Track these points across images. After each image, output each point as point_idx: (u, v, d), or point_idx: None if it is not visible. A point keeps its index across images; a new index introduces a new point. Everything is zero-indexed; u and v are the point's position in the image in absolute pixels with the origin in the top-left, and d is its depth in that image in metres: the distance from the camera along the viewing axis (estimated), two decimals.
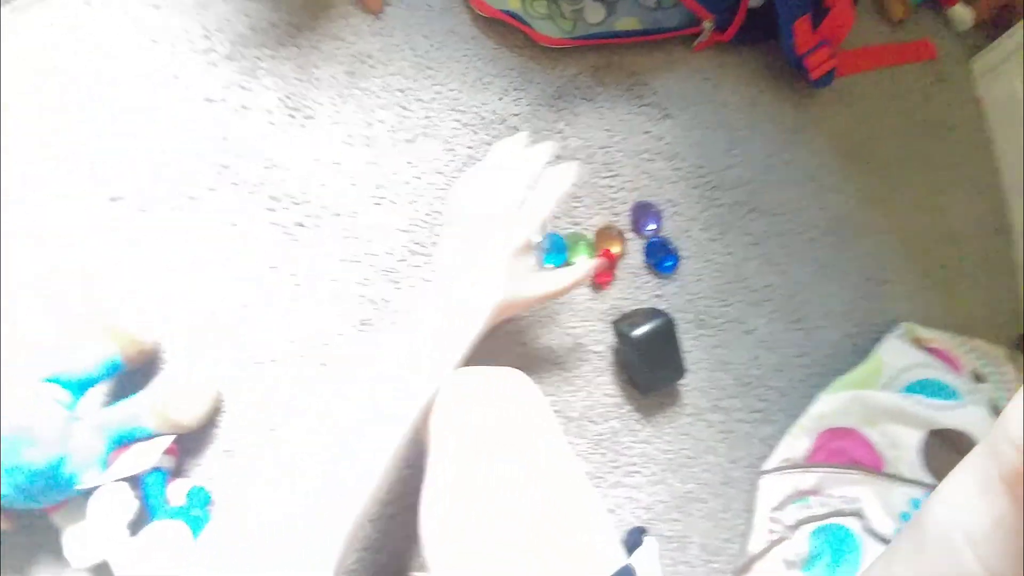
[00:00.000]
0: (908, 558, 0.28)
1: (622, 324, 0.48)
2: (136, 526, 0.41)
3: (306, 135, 0.52)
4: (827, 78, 0.61)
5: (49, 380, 0.40)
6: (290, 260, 0.49)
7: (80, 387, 0.42)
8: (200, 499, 0.45)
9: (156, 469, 0.43)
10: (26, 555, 0.44)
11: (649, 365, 0.47)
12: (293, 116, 0.53)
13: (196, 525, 0.43)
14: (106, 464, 0.42)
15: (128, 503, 0.43)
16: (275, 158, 0.51)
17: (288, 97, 0.53)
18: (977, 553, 0.24)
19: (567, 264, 0.52)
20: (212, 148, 0.50)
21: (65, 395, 0.41)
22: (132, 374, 0.45)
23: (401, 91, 0.55)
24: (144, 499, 0.43)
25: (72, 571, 0.43)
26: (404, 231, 0.51)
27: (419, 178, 0.53)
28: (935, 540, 0.26)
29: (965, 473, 0.26)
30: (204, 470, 0.45)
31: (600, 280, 0.52)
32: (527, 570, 0.35)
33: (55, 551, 0.44)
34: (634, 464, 0.51)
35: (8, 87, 0.49)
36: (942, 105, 0.66)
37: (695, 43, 0.60)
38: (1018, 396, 0.24)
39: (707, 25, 0.59)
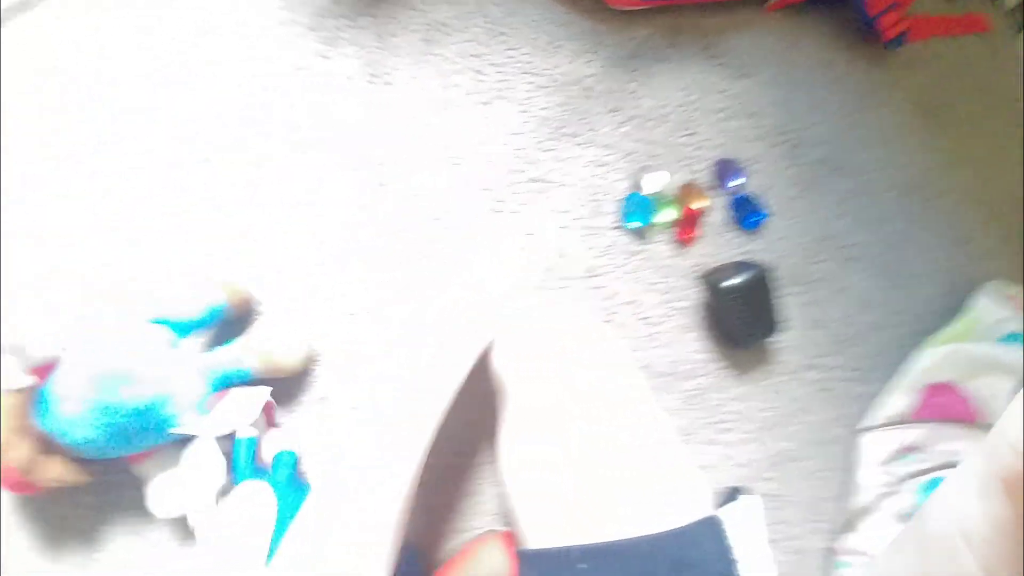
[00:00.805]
0: (909, 556, 0.28)
1: (713, 276, 0.47)
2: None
3: (385, 99, 0.53)
4: (899, 40, 0.59)
5: (155, 321, 0.41)
6: (373, 218, 0.50)
7: (185, 330, 0.43)
8: (287, 463, 0.45)
9: (248, 437, 0.43)
10: (96, 516, 0.45)
11: (743, 318, 0.46)
12: (372, 82, 0.54)
13: (281, 489, 0.43)
14: (205, 408, 0.42)
15: (219, 466, 0.43)
16: (355, 122, 0.52)
17: (368, 64, 0.54)
18: (975, 554, 0.24)
19: (652, 225, 0.51)
20: (300, 112, 0.51)
21: (170, 336, 0.41)
22: (231, 323, 0.46)
23: (475, 56, 0.55)
24: (233, 459, 0.43)
25: (144, 528, 0.43)
26: (485, 190, 0.52)
27: (495, 139, 0.53)
28: (935, 540, 0.26)
29: (965, 475, 0.26)
30: (297, 418, 0.46)
31: (683, 236, 0.51)
32: (612, 514, 0.35)
33: (123, 511, 0.45)
34: (726, 421, 0.49)
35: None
36: (1004, 74, 0.65)
37: (768, 3, 0.59)
38: (1017, 400, 0.24)
39: None
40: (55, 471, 0.40)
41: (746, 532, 0.37)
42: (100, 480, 0.45)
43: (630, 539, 0.33)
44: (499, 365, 0.40)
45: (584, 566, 0.34)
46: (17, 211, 0.48)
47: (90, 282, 0.47)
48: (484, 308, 0.46)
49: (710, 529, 0.35)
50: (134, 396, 0.38)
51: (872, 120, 0.59)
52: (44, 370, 0.39)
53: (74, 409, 0.38)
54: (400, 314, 0.48)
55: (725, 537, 0.35)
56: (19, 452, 0.38)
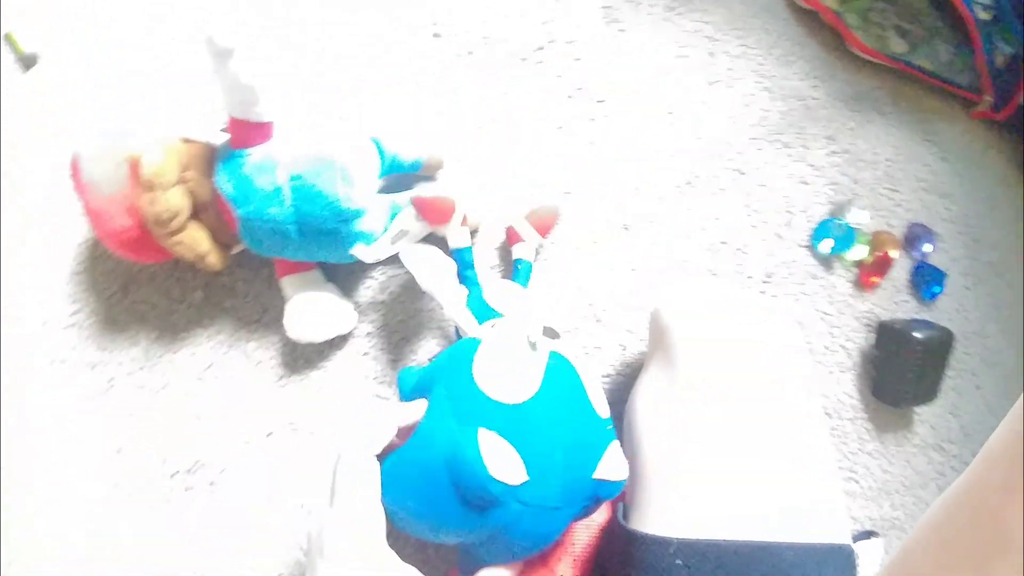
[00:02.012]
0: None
1: (899, 325, 0.45)
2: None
3: (618, 45, 0.54)
4: None
5: (373, 139, 0.40)
6: (579, 142, 0.50)
7: (390, 165, 0.41)
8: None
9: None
10: (199, 313, 0.44)
11: (911, 376, 0.44)
12: (608, 24, 0.54)
13: None
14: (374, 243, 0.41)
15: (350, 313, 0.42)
16: (585, 56, 0.53)
17: (608, 8, 0.55)
18: None
19: (840, 256, 0.50)
20: (532, 32, 0.52)
21: (379, 162, 0.40)
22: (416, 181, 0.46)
23: (710, 39, 0.56)
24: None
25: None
26: (686, 160, 0.51)
27: (710, 118, 0.53)
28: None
29: None
30: None
31: (866, 280, 0.50)
32: (738, 509, 0.32)
33: (231, 319, 0.44)
34: (854, 472, 0.46)
35: None
36: None
37: (972, 110, 0.60)
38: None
39: (986, 99, 0.59)
40: (200, 240, 0.37)
41: (870, 574, 0.34)
42: (221, 279, 0.44)
43: (744, 542, 0.31)
44: (666, 317, 0.38)
45: (680, 563, 0.31)
46: None
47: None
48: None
49: (841, 559, 0.32)
50: (341, 194, 0.37)
51: None
52: (254, 134, 0.37)
53: (273, 181, 0.36)
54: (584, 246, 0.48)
55: (856, 572, 0.33)
56: (173, 203, 0.35)
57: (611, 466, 0.32)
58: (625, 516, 0.35)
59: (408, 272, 0.44)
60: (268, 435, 0.43)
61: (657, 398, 0.37)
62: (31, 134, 0.47)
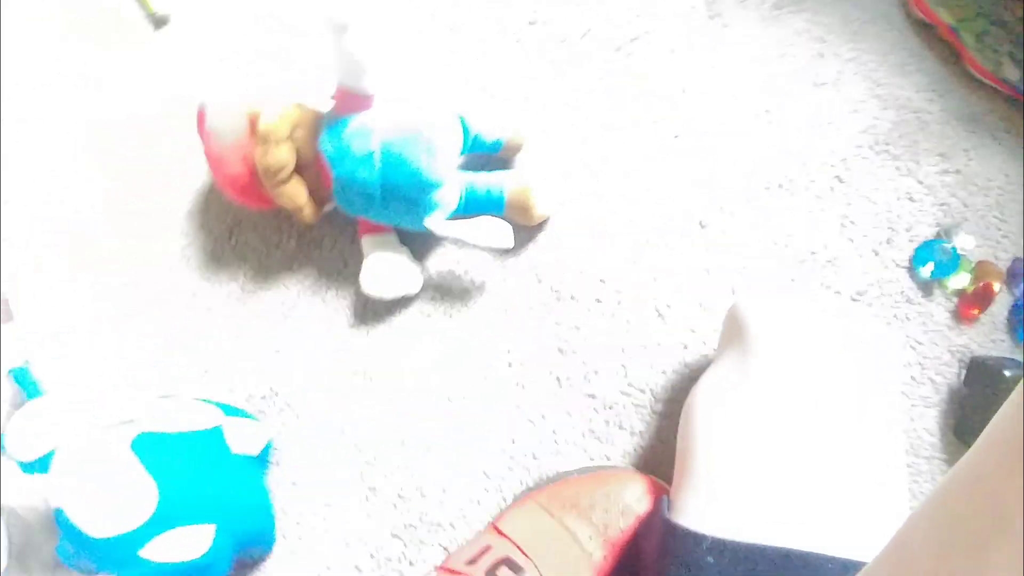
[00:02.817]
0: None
1: (993, 363, 0.41)
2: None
3: (719, 40, 0.52)
4: None
5: (460, 117, 0.42)
6: (666, 133, 0.50)
7: (472, 143, 0.44)
8: None
9: None
10: (288, 259, 0.48)
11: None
12: (712, 18, 0.53)
13: None
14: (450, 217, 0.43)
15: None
16: (682, 48, 0.52)
17: (712, 1, 0.54)
18: None
19: (941, 282, 0.46)
20: (628, 22, 0.52)
21: (461, 139, 0.42)
22: (497, 161, 0.48)
23: (821, 40, 0.53)
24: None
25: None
26: (780, 162, 0.49)
27: (813, 121, 0.50)
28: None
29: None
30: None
31: (966, 311, 0.46)
32: (801, 510, 0.31)
33: (316, 270, 0.47)
34: None
35: None
36: None
37: None
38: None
39: None
40: (300, 193, 0.42)
41: None
42: (312, 232, 0.48)
43: (782, 549, 0.29)
44: (746, 312, 0.37)
45: (712, 560, 0.30)
46: None
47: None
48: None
49: None
50: (425, 164, 0.39)
51: None
52: (357, 104, 0.41)
53: (367, 147, 0.39)
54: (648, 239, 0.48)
55: None
56: (283, 156, 0.39)
57: None
58: (669, 508, 0.35)
59: (475, 246, 0.46)
60: (334, 375, 0.47)
61: (723, 394, 0.36)
62: (162, 89, 0.54)
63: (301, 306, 0.48)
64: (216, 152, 0.40)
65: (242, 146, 0.40)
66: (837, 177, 0.50)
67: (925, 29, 0.54)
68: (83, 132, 0.55)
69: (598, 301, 0.47)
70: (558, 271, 0.48)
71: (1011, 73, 0.53)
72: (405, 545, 0.44)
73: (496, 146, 0.46)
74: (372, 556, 0.44)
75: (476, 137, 0.44)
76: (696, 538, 0.31)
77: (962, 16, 0.51)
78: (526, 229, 0.48)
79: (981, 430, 0.42)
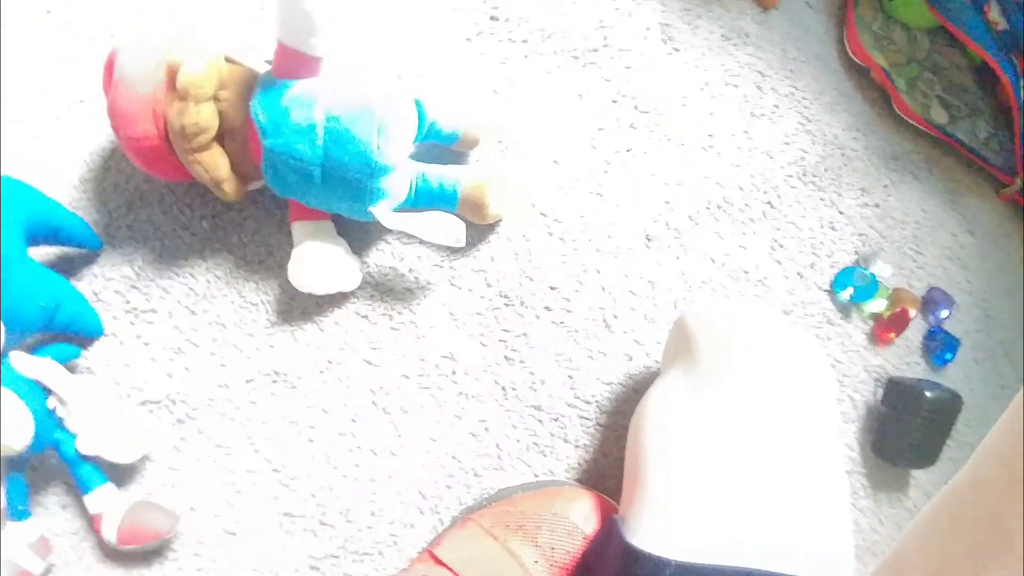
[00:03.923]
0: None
1: (909, 382, 0.44)
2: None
3: (669, 63, 0.54)
4: None
5: (416, 101, 0.39)
6: (616, 146, 0.50)
7: (428, 131, 0.40)
8: None
9: None
10: (201, 247, 0.42)
11: (914, 435, 0.43)
12: (664, 43, 0.54)
13: None
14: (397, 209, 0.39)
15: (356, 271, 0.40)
16: (636, 66, 0.53)
17: (666, 25, 0.55)
18: None
19: (859, 306, 0.49)
20: (588, 33, 0.52)
21: (416, 125, 0.39)
22: (449, 155, 0.45)
23: (761, 74, 0.56)
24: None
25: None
26: (719, 185, 0.51)
27: (750, 149, 0.52)
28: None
29: None
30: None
31: (882, 334, 0.49)
32: (756, 529, 0.30)
33: (230, 257, 0.42)
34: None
35: None
36: None
37: (1002, 191, 0.61)
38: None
39: (1018, 182, 0.60)
40: (219, 164, 0.36)
41: None
42: (231, 213, 0.43)
43: (743, 570, 0.29)
44: (694, 324, 0.37)
45: None
46: None
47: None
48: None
49: None
50: (374, 145, 0.35)
51: None
52: (301, 66, 0.36)
53: (308, 117, 0.35)
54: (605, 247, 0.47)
55: None
56: (204, 117, 0.34)
57: None
58: (623, 527, 0.33)
59: (422, 242, 0.43)
60: (248, 381, 0.41)
61: (672, 408, 0.35)
62: (79, 30, 0.46)
63: (212, 299, 0.42)
64: (123, 106, 0.34)
65: (156, 100, 0.34)
66: (769, 203, 0.53)
67: (858, 72, 0.59)
68: None
69: (547, 309, 0.45)
70: (508, 275, 0.46)
71: (939, 116, 0.58)
72: None
73: (452, 137, 0.43)
74: None
75: (432, 125, 0.41)
76: (659, 564, 0.30)
77: (896, 60, 0.56)
78: (477, 229, 0.45)
79: (900, 447, 0.45)
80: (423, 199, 0.40)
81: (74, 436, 0.36)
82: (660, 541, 0.30)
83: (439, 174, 0.40)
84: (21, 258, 0.35)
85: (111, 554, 0.39)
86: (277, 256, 0.43)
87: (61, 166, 0.43)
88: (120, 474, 0.39)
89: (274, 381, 0.41)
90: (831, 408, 0.35)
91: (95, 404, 0.37)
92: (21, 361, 0.36)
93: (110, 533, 0.36)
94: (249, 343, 0.41)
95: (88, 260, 0.42)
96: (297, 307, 0.42)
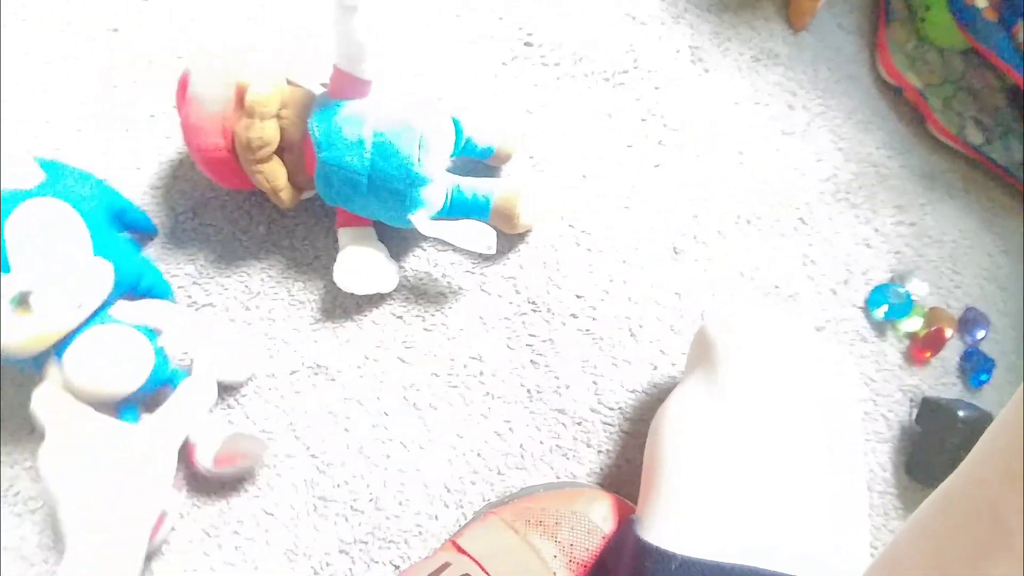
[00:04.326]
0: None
1: (945, 403, 0.43)
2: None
3: (699, 83, 0.55)
4: None
5: (454, 118, 0.42)
6: (645, 163, 0.51)
7: (464, 146, 0.43)
8: None
9: None
10: (258, 248, 0.46)
11: (950, 456, 0.42)
12: (694, 63, 0.56)
13: None
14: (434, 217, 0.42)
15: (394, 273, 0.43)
16: (665, 86, 0.55)
17: (696, 48, 0.57)
18: None
19: (894, 325, 0.49)
20: (619, 56, 0.55)
21: (453, 139, 0.42)
22: (483, 169, 0.48)
23: (792, 94, 0.57)
24: None
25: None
26: (749, 200, 0.51)
27: (780, 166, 0.53)
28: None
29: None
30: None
31: (918, 354, 0.48)
32: (767, 531, 0.31)
33: (281, 258, 0.46)
34: (875, 547, 0.43)
35: None
36: None
37: None
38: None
39: None
40: (278, 175, 0.40)
41: None
42: (285, 220, 0.46)
43: (748, 568, 0.29)
44: (715, 331, 0.37)
45: None
46: None
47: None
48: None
49: None
50: (416, 158, 0.39)
51: None
52: (352, 89, 0.40)
53: (358, 133, 0.38)
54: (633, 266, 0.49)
55: None
56: (268, 132, 0.38)
57: None
58: (638, 525, 0.34)
59: (456, 249, 0.45)
60: (292, 372, 0.44)
61: (690, 414, 0.36)
62: (150, 56, 0.52)
63: (264, 297, 0.46)
64: (195, 120, 0.38)
65: (225, 117, 0.38)
66: (800, 219, 0.53)
67: (891, 91, 0.59)
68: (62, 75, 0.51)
69: (574, 316, 0.47)
70: (536, 283, 0.48)
71: (974, 136, 0.58)
72: (353, 562, 0.40)
73: (487, 152, 0.46)
74: (316, 573, 0.40)
75: (468, 140, 0.44)
76: (666, 557, 0.31)
77: (930, 81, 0.57)
78: (508, 238, 0.48)
79: (933, 468, 0.44)
80: (458, 209, 0.43)
81: (186, 373, 0.40)
82: (669, 537, 0.31)
83: (473, 186, 0.43)
84: (110, 226, 0.40)
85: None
86: (324, 259, 0.46)
87: (134, 174, 0.48)
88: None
89: (316, 373, 0.44)
90: (853, 417, 0.35)
91: (203, 332, 0.40)
92: (123, 310, 0.39)
93: (206, 459, 0.39)
94: (295, 337, 0.45)
95: (155, 257, 0.46)
96: (339, 306, 0.45)
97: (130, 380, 0.37)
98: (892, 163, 0.56)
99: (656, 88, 0.55)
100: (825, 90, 0.58)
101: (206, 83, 0.38)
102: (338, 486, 0.42)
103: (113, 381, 0.36)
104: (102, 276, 0.37)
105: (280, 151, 0.40)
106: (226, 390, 0.43)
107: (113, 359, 0.36)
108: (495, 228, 0.44)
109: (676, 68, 0.56)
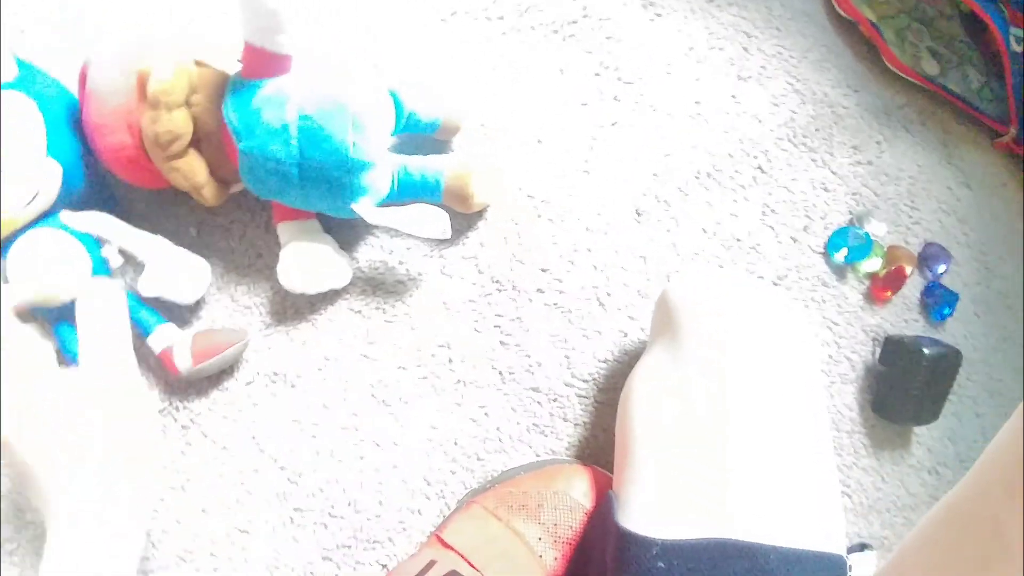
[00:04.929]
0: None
1: (907, 340, 0.44)
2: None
3: (652, 29, 0.52)
4: None
5: (392, 92, 0.38)
6: (601, 121, 0.49)
7: (407, 122, 0.40)
8: None
9: None
10: (198, 255, 0.42)
11: (915, 392, 0.43)
12: (646, 8, 0.53)
13: None
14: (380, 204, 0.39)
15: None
16: (617, 35, 0.51)
17: None
18: None
19: (854, 266, 0.49)
20: (567, 4, 0.51)
21: (394, 116, 0.38)
22: (431, 144, 0.45)
23: (747, 34, 0.54)
24: None
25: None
26: (708, 153, 0.50)
27: (738, 113, 0.51)
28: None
29: None
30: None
31: (878, 293, 0.49)
32: (742, 500, 0.31)
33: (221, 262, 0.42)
34: (848, 487, 0.45)
35: None
36: None
37: (996, 140, 0.60)
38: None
39: (1012, 131, 0.58)
40: (197, 170, 0.36)
41: None
42: (218, 219, 0.42)
43: (725, 541, 0.30)
44: (675, 298, 0.37)
45: (663, 565, 0.30)
46: None
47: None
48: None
49: (833, 568, 0.31)
50: (349, 142, 0.35)
51: None
52: (270, 66, 0.35)
53: (281, 117, 0.34)
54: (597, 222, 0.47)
55: None
56: (176, 124, 0.33)
57: None
58: (616, 507, 0.33)
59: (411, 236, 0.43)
60: (248, 383, 0.41)
61: (656, 383, 0.35)
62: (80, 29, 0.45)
63: (205, 306, 0.42)
64: (96, 118, 0.34)
65: (129, 111, 0.33)
66: (759, 168, 0.52)
67: (846, 26, 0.57)
68: None
69: (540, 291, 0.46)
70: (499, 260, 0.45)
71: (930, 67, 0.57)
72: (339, 567, 0.40)
73: (433, 126, 0.42)
74: None
75: (411, 115, 0.40)
76: (646, 544, 0.31)
77: (885, 12, 0.55)
78: (465, 216, 0.45)
79: (898, 405, 0.45)
80: (406, 192, 0.40)
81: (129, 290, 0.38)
82: (648, 522, 0.31)
83: (421, 166, 0.40)
84: (68, 132, 0.37)
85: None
86: (266, 258, 0.43)
87: None
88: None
89: (273, 382, 0.41)
90: (815, 377, 0.35)
91: (150, 248, 0.38)
92: (71, 217, 0.37)
93: (183, 358, 0.38)
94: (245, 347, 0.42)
95: None
96: (290, 307, 0.43)
97: (65, 287, 0.35)
98: (848, 101, 0.55)
99: (608, 38, 0.52)
100: (780, 29, 0.55)
101: (105, 74, 0.33)
102: (312, 495, 0.40)
103: (49, 286, 0.35)
104: (51, 176, 0.35)
105: (196, 142, 0.36)
106: (183, 404, 0.41)
107: (50, 262, 0.35)
108: (449, 209, 0.42)
109: (627, 14, 0.52)
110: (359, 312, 0.43)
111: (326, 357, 0.42)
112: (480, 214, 0.46)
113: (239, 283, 0.43)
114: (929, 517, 0.22)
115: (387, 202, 0.40)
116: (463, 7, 0.50)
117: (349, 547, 0.40)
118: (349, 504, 0.40)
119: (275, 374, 0.41)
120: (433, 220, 0.38)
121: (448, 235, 0.39)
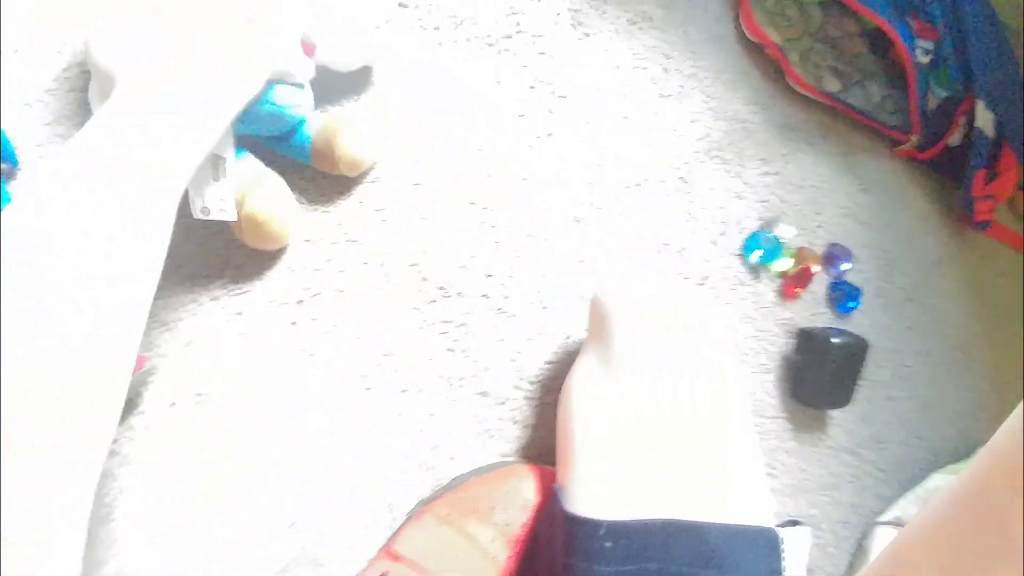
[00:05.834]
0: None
1: (817, 331, 0.49)
2: None
3: (581, 48, 0.55)
4: (984, 224, 0.68)
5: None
6: (538, 132, 0.51)
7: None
8: None
9: None
10: None
11: (826, 379, 0.47)
12: (574, 27, 0.56)
13: None
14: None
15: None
16: (549, 51, 0.54)
17: (575, 11, 0.56)
18: None
19: (767, 267, 0.54)
20: (501, 20, 0.53)
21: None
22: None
23: (666, 56, 0.59)
24: None
25: None
26: (636, 164, 0.53)
27: (661, 128, 0.55)
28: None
29: None
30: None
31: (789, 290, 0.54)
32: (677, 482, 0.34)
33: None
34: (774, 468, 0.49)
35: None
36: None
37: (897, 148, 0.67)
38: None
39: (913, 139, 0.66)
40: None
41: (796, 561, 0.36)
42: None
43: (669, 521, 0.32)
44: (605, 302, 0.39)
45: (609, 544, 0.32)
46: None
47: None
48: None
49: (767, 540, 0.34)
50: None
51: (946, 273, 0.66)
52: None
53: None
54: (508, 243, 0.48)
55: (781, 555, 0.34)
56: None
57: None
58: (562, 497, 0.34)
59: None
60: (171, 405, 0.39)
61: (591, 380, 0.37)
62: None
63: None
64: None
65: None
66: (681, 178, 0.56)
67: (754, 49, 0.63)
68: None
69: (485, 296, 0.46)
70: (443, 267, 0.46)
71: (831, 84, 0.63)
72: None
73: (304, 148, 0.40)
74: None
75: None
76: (593, 525, 0.32)
77: (789, 35, 0.61)
78: (406, 222, 0.45)
79: (814, 391, 0.49)
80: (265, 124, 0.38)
81: None
82: (592, 505, 0.32)
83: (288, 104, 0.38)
84: None
85: None
86: (187, 268, 0.40)
87: None
88: None
89: (197, 404, 0.39)
90: (734, 371, 0.38)
91: None
92: None
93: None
94: (165, 364, 0.39)
95: None
96: (213, 321, 0.40)
97: None
98: (756, 118, 0.61)
99: (541, 54, 0.54)
100: (695, 51, 0.60)
101: None
102: (250, 519, 0.38)
103: None
104: None
105: None
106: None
107: None
108: (327, 174, 0.41)
109: (558, 32, 0.55)
110: (295, 324, 0.42)
111: (257, 374, 0.40)
112: (422, 219, 0.46)
113: (155, 298, 0.40)
114: (932, 513, 0.23)
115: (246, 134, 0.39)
116: (396, 18, 0.50)
117: (289, 572, 0.38)
118: (291, 526, 0.38)
119: (199, 395, 0.39)
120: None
121: (234, 218, 0.37)
